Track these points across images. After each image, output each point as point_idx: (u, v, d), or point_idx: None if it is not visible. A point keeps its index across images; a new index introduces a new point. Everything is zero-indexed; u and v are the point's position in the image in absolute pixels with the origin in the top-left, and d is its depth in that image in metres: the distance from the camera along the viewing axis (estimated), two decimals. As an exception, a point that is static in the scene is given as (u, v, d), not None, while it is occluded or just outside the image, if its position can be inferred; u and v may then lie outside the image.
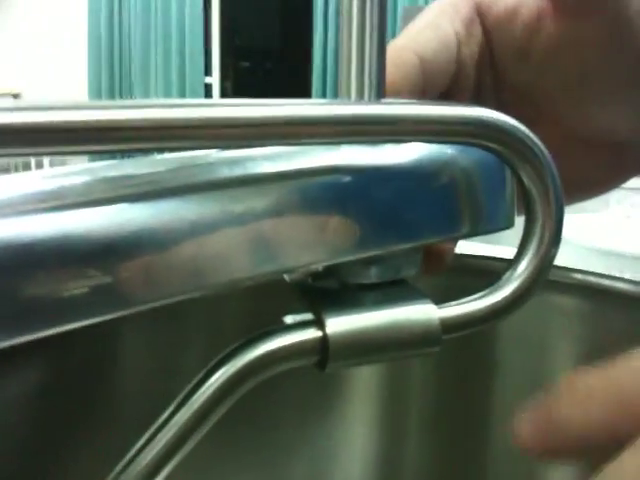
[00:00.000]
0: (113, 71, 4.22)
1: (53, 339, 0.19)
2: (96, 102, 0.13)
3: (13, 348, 0.17)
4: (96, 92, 4.23)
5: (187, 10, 3.90)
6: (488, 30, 0.24)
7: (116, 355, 0.23)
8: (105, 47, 4.15)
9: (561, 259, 0.24)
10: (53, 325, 0.14)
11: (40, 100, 0.13)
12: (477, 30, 0.24)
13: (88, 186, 0.15)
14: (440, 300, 0.18)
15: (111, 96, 4.25)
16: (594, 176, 0.26)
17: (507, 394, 0.28)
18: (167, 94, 4.06)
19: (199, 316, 0.24)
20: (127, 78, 4.22)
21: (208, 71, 4.08)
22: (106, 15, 4.06)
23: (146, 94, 4.12)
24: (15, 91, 4.51)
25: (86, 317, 0.14)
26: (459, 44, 0.23)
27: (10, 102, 0.13)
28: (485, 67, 0.24)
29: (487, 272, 0.24)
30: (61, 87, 4.28)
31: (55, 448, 0.20)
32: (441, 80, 0.23)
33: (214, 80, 4.11)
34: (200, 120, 0.13)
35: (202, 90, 4.00)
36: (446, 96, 0.23)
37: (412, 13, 3.08)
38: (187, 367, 0.22)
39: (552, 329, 0.27)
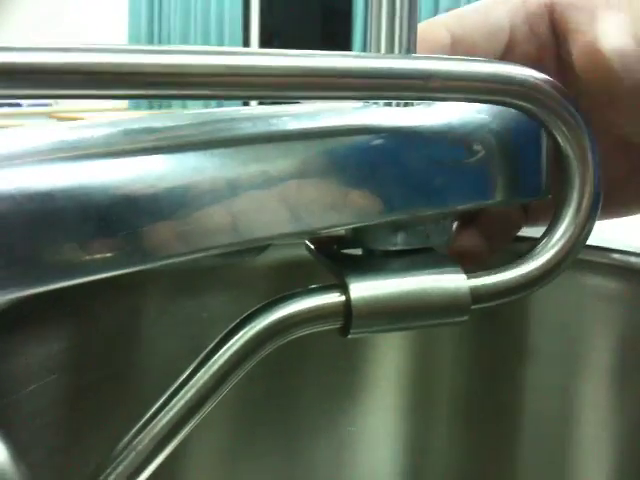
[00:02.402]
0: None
1: (79, 313, 0.19)
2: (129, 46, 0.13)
3: (43, 315, 0.16)
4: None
5: (226, 15, 3.93)
6: (561, 35, 0.21)
7: (140, 332, 0.22)
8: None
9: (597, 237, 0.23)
10: (74, 275, 0.14)
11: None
12: (544, 31, 0.21)
13: (113, 138, 0.14)
14: (468, 270, 0.18)
15: (149, 103, 4.30)
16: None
17: (540, 381, 0.27)
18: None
19: (223, 294, 0.23)
20: (166, 78, 4.26)
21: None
22: (146, 19, 4.12)
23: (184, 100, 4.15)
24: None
25: (107, 269, 0.14)
26: (512, 39, 0.21)
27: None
28: (551, 61, 0.21)
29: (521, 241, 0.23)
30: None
31: (80, 418, 0.20)
32: None
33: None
34: (237, 68, 0.13)
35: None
36: None
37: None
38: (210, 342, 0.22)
39: (588, 313, 0.26)
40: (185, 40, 4.07)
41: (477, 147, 0.18)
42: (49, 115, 4.81)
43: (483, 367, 0.28)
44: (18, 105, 5.32)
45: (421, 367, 0.27)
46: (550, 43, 0.21)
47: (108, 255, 0.14)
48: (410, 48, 0.16)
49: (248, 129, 0.15)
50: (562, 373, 0.27)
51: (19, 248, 0.13)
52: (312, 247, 0.18)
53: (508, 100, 0.16)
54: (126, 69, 0.12)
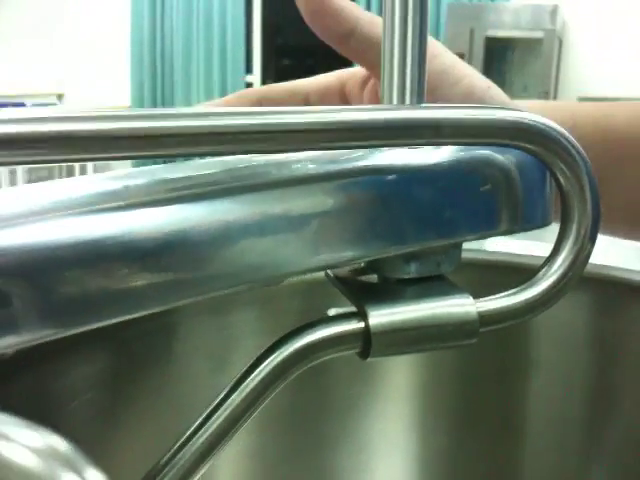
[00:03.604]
0: (155, 70, 4.29)
1: (115, 334, 0.20)
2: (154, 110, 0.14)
3: (82, 339, 0.18)
4: (138, 91, 4.31)
5: (229, 9, 3.95)
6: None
7: (170, 350, 0.24)
8: (147, 47, 4.22)
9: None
10: (116, 314, 0.15)
11: (105, 109, 0.14)
12: (333, 99, 0.32)
13: (147, 187, 0.16)
14: (475, 295, 0.19)
15: (153, 94, 4.32)
16: None
17: (543, 393, 0.29)
18: (208, 92, 4.11)
19: (246, 313, 0.25)
20: (169, 77, 4.28)
21: (249, 69, 4.12)
22: (149, 15, 4.14)
23: (188, 92, 4.18)
24: (59, 92, 4.62)
25: (147, 307, 0.15)
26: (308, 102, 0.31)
27: (61, 108, 0.14)
28: None
29: (521, 269, 0.24)
30: (104, 87, 4.37)
31: (117, 432, 0.22)
32: None
33: (255, 79, 4.15)
34: (266, 125, 0.14)
35: (243, 88, 4.04)
36: None
37: (456, 10, 3.06)
38: (237, 362, 0.23)
39: (585, 327, 0.28)
40: (188, 37, 4.09)
41: (484, 182, 0.19)
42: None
43: (487, 379, 0.29)
44: (22, 105, 5.33)
45: (429, 381, 0.29)
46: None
47: (151, 293, 0.15)
48: (420, 98, 0.18)
49: (270, 174, 0.17)
50: (564, 384, 0.28)
51: (75, 289, 0.14)
52: (331, 275, 0.20)
53: (514, 143, 0.18)
54: (149, 132, 0.14)
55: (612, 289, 0.25)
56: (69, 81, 4.49)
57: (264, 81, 4.20)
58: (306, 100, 0.31)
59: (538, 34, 2.99)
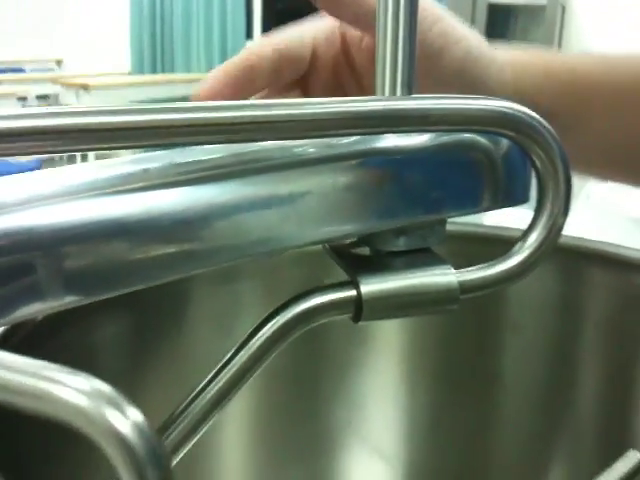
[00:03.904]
0: (155, 37, 4.26)
1: (136, 299, 0.23)
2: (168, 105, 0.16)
3: (108, 303, 0.20)
4: (138, 57, 4.28)
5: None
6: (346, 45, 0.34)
7: (185, 314, 0.26)
8: (147, 12, 4.18)
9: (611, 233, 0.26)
10: (136, 283, 0.17)
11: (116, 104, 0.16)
12: (335, 41, 0.34)
13: (164, 170, 0.18)
14: (461, 264, 0.21)
15: (153, 60, 4.29)
16: None
17: (517, 352, 0.31)
18: (209, 57, 4.08)
19: (254, 282, 0.27)
20: (169, 43, 4.25)
21: (250, 35, 4.10)
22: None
23: (188, 56, 4.15)
24: (58, 58, 4.58)
25: (166, 275, 0.17)
26: (316, 45, 0.33)
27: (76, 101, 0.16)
28: (342, 64, 0.34)
29: (502, 240, 0.26)
30: (104, 53, 4.34)
31: (138, 379, 0.24)
32: (297, 64, 0.33)
33: (255, 44, 4.12)
34: (268, 117, 0.16)
35: (243, 54, 4.02)
36: (306, 75, 0.34)
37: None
38: (243, 324, 0.26)
39: (554, 293, 0.30)
40: (188, 2, 4.05)
41: (467, 163, 0.21)
42: (53, 81, 4.78)
43: (466, 340, 0.31)
44: (22, 70, 5.27)
45: (414, 343, 0.31)
46: (340, 51, 0.33)
47: (171, 263, 0.17)
48: (410, 89, 0.19)
49: (274, 158, 0.19)
50: (535, 345, 0.31)
51: (99, 261, 0.17)
52: (328, 248, 0.22)
53: (494, 129, 0.19)
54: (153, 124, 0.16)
55: (578, 258, 0.27)
56: (68, 47, 4.46)
57: (265, 47, 4.17)
58: (315, 44, 0.33)
59: (541, 1, 2.96)
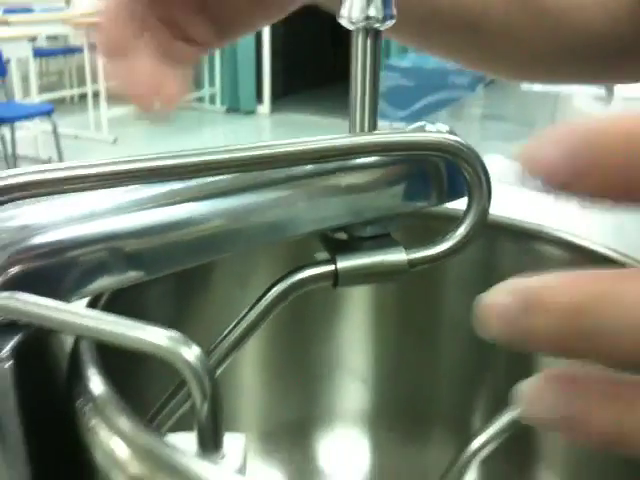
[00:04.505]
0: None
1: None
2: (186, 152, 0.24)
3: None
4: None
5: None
6: None
7: (210, 280, 0.35)
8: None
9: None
10: (195, 259, 0.26)
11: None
12: None
13: (197, 187, 0.26)
14: (416, 237, 0.30)
15: None
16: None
17: (453, 308, 0.40)
18: None
19: (259, 257, 0.36)
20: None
21: None
22: None
23: None
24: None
25: (208, 255, 0.26)
26: None
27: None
28: None
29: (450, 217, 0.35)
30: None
31: (182, 323, 0.33)
32: None
33: None
34: (258, 157, 0.24)
35: None
36: None
37: None
38: (257, 282, 0.34)
39: (480, 262, 0.39)
40: None
41: (421, 173, 0.29)
42: (64, 21, 4.76)
43: (416, 301, 0.40)
44: (31, 10, 5.22)
45: (378, 301, 0.40)
46: None
47: (207, 248, 0.26)
48: (376, 126, 0.27)
49: (276, 174, 0.27)
50: (465, 302, 0.40)
51: (153, 248, 0.25)
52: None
53: (436, 154, 0.27)
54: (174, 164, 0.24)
55: (499, 233, 0.36)
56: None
57: None
58: None
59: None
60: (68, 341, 0.26)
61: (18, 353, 0.23)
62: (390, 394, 0.40)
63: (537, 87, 2.68)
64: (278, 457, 0.40)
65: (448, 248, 0.29)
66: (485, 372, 0.38)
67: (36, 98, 4.90)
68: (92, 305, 0.28)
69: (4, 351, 0.22)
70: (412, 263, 0.29)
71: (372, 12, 0.26)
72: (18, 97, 4.84)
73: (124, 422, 0.21)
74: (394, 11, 0.27)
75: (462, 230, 0.29)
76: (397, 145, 0.27)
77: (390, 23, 0.27)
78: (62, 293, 0.24)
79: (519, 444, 0.35)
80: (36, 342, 0.24)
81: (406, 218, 0.31)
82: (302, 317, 0.39)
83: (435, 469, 0.34)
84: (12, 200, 0.22)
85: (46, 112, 4.06)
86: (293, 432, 0.41)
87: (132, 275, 0.25)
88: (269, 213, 0.27)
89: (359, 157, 0.27)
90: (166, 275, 0.27)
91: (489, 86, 2.75)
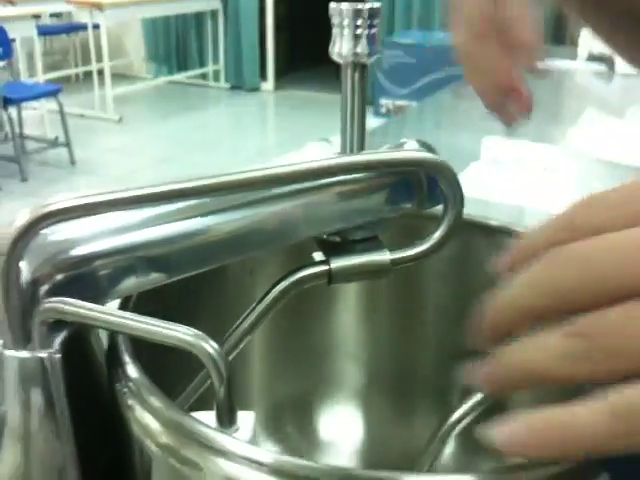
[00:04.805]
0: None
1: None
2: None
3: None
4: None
5: None
6: None
7: (225, 273, 0.40)
8: None
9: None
10: (210, 262, 0.30)
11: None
12: None
13: (212, 202, 0.30)
14: (403, 234, 0.34)
15: None
16: None
17: (431, 291, 0.45)
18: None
19: (267, 257, 0.40)
20: None
21: None
22: None
23: None
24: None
25: (222, 260, 0.30)
26: None
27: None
28: None
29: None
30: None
31: (196, 311, 0.38)
32: None
33: None
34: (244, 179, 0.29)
35: None
36: None
37: None
38: (262, 283, 0.39)
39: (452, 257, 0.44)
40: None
41: (405, 184, 0.34)
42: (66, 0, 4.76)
43: (402, 285, 0.45)
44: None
45: (366, 293, 0.45)
46: None
47: (220, 254, 0.30)
48: (362, 148, 0.32)
49: (279, 189, 0.31)
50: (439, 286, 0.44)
51: (175, 258, 0.30)
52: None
53: (417, 168, 0.32)
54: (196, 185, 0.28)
55: (473, 231, 0.41)
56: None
57: None
58: None
59: None
60: (102, 336, 0.31)
61: (65, 346, 0.27)
62: (381, 371, 0.46)
63: (539, 64, 2.69)
64: (283, 428, 0.46)
65: (426, 249, 0.34)
66: (464, 351, 0.44)
67: (41, 77, 4.92)
68: (125, 302, 0.33)
69: (55, 345, 0.27)
70: (395, 262, 0.33)
71: (359, 49, 0.30)
72: (24, 77, 4.86)
73: (155, 401, 0.26)
74: (377, 48, 0.31)
75: (439, 233, 0.34)
76: (385, 162, 0.31)
77: (374, 58, 0.31)
78: (98, 295, 0.29)
79: (494, 415, 0.40)
80: (77, 337, 0.29)
81: (392, 221, 0.35)
82: (302, 305, 0.44)
83: (421, 437, 0.38)
84: (60, 222, 0.26)
85: (53, 92, 4.09)
86: (296, 406, 0.46)
87: (156, 278, 0.30)
88: (273, 222, 0.31)
89: (351, 174, 0.32)
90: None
91: (491, 62, 2.76)
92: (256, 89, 6.31)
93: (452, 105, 2.06)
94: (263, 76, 6.30)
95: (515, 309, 0.21)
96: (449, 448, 0.41)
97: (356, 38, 0.30)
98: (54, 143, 4.35)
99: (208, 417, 0.25)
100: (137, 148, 4.72)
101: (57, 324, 0.27)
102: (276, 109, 5.88)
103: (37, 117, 4.58)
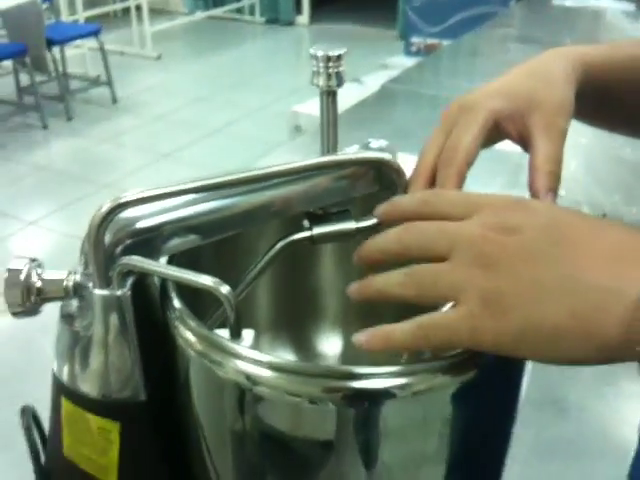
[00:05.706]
0: None
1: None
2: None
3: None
4: None
5: None
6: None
7: (247, 237, 0.54)
8: None
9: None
10: (232, 229, 0.44)
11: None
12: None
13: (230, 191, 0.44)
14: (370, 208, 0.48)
15: None
16: None
17: None
18: None
19: (270, 225, 0.55)
20: None
21: None
22: None
23: None
24: None
25: (240, 227, 0.45)
26: None
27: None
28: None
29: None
30: None
31: (217, 264, 0.52)
32: None
33: None
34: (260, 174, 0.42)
35: None
36: None
37: None
38: (267, 242, 0.54)
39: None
40: None
41: (365, 171, 0.47)
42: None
43: None
44: None
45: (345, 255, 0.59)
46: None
47: (238, 223, 0.44)
48: (336, 149, 0.45)
49: (278, 180, 0.45)
50: None
51: (207, 226, 0.44)
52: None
53: (376, 165, 0.45)
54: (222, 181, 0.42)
55: None
56: None
57: None
58: None
59: None
60: (156, 281, 0.46)
61: (133, 287, 0.42)
62: (355, 303, 0.60)
63: (569, 2, 2.71)
64: (281, 347, 0.61)
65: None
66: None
67: (82, 15, 5.01)
68: (171, 258, 0.47)
69: (127, 286, 0.42)
70: (359, 230, 0.47)
71: (332, 82, 0.43)
72: (64, 15, 4.97)
73: (192, 323, 0.41)
74: (344, 80, 0.44)
75: (393, 208, 0.47)
76: (350, 161, 0.44)
77: (341, 86, 0.44)
78: (154, 253, 0.43)
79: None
80: (141, 281, 0.43)
81: (359, 199, 0.49)
82: (295, 259, 0.57)
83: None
84: (129, 208, 0.41)
85: (94, 32, 4.20)
86: (290, 330, 0.61)
87: (192, 240, 0.44)
88: (276, 201, 0.45)
89: (326, 170, 0.45)
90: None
91: (521, 1, 2.79)
92: (291, 23, 6.30)
93: (485, 47, 2.10)
94: (298, 9, 6.28)
95: (378, 250, 0.39)
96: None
97: (328, 74, 0.43)
98: (96, 81, 4.48)
99: (225, 333, 0.40)
100: (175, 86, 4.83)
101: (128, 273, 0.42)
102: (311, 45, 5.89)
103: (79, 55, 4.71)
